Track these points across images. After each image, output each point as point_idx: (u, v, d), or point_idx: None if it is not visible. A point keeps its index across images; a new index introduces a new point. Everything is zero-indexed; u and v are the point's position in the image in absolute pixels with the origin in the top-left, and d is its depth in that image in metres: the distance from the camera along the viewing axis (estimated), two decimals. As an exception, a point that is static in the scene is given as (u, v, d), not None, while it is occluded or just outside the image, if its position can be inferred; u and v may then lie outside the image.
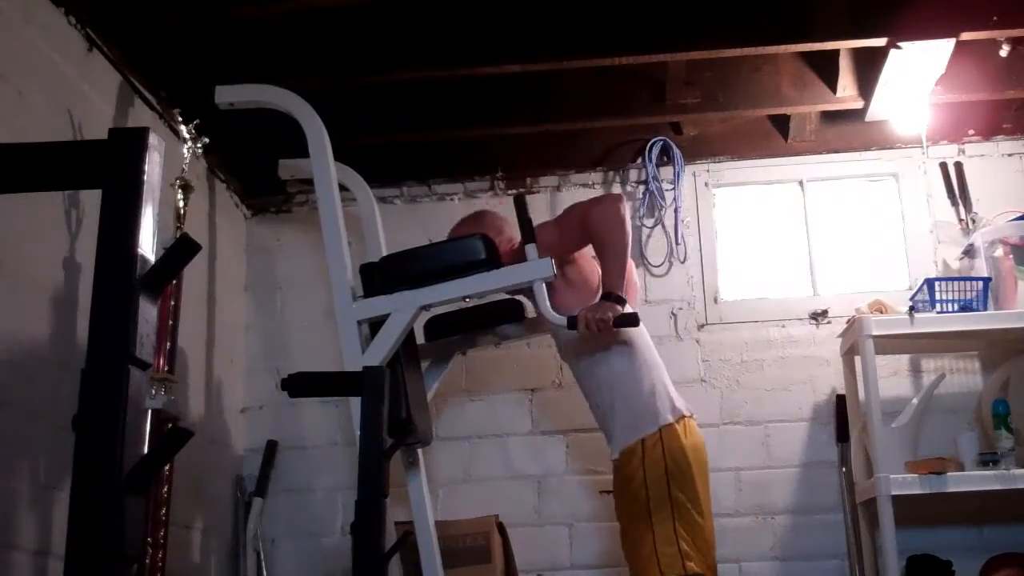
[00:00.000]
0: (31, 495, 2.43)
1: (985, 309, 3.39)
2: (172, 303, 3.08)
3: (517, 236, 2.99)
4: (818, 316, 3.84)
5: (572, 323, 2.76)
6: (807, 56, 3.66)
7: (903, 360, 3.77)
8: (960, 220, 3.80)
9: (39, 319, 2.51)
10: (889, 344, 3.50)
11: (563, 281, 2.89)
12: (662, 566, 2.69)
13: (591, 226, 2.81)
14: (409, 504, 3.12)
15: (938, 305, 3.39)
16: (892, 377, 3.73)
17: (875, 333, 3.35)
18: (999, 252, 3.49)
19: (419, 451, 3.16)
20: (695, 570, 2.69)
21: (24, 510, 2.40)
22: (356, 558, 1.85)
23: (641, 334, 2.91)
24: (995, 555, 3.44)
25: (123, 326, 1.14)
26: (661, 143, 3.96)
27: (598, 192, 3.97)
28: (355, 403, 2.36)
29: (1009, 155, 3.94)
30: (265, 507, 3.68)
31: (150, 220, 1.19)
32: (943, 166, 3.87)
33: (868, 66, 3.56)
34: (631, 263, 3.25)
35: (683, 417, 2.83)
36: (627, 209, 2.82)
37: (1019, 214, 3.53)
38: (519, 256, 2.87)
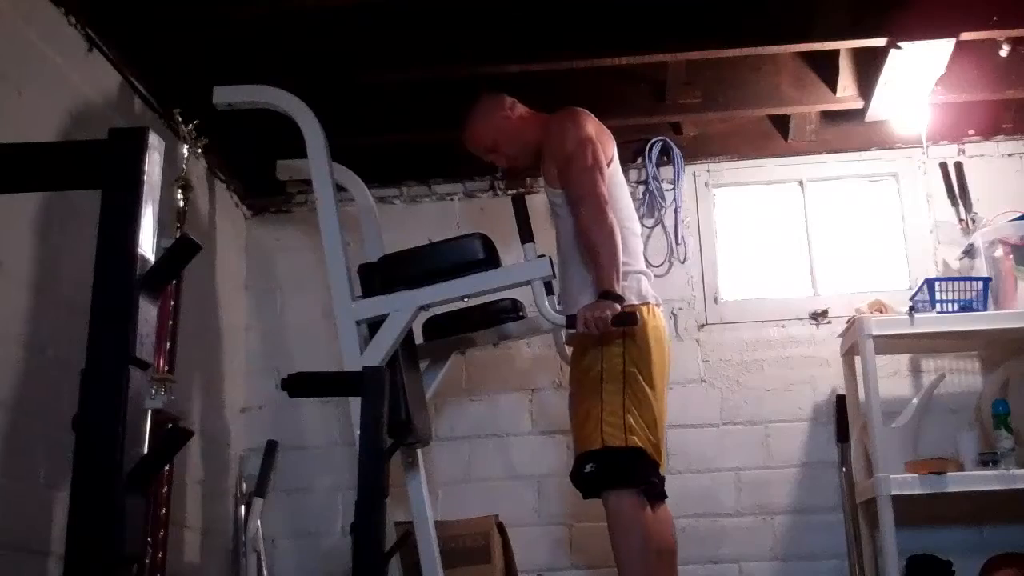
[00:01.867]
0: (31, 495, 2.43)
1: (985, 309, 3.39)
2: (172, 303, 3.08)
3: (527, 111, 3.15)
4: (818, 316, 3.84)
5: (571, 322, 2.76)
6: (807, 56, 3.66)
7: (903, 360, 3.77)
8: (960, 220, 3.80)
9: (39, 319, 2.51)
10: (889, 344, 3.50)
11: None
12: (605, 436, 2.74)
13: (578, 225, 2.84)
14: (409, 504, 3.12)
15: (938, 305, 3.39)
16: (892, 377, 3.73)
17: (875, 333, 3.35)
18: (999, 252, 3.49)
19: (419, 451, 3.16)
20: (636, 444, 2.73)
21: (24, 510, 2.40)
22: (356, 558, 1.85)
23: (627, 216, 2.95)
24: (995, 555, 3.44)
25: (123, 326, 1.14)
26: (661, 143, 3.96)
27: (598, 192, 3.96)
28: (355, 403, 2.37)
29: (1009, 155, 3.94)
30: (265, 507, 3.68)
31: (150, 220, 1.19)
32: (943, 166, 3.87)
33: (868, 66, 3.56)
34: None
35: (647, 303, 2.86)
36: (610, 212, 2.81)
37: (1019, 214, 3.53)
38: (524, 125, 3.06)
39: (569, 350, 3.09)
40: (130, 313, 1.14)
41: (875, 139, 3.95)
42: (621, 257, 2.79)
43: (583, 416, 2.83)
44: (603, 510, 2.84)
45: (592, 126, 2.98)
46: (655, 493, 2.84)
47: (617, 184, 3.00)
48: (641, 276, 2.92)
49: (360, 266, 3.03)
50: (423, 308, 2.87)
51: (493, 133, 3.12)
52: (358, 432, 1.99)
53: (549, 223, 3.12)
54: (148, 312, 1.17)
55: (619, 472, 2.75)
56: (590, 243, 2.80)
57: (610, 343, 2.80)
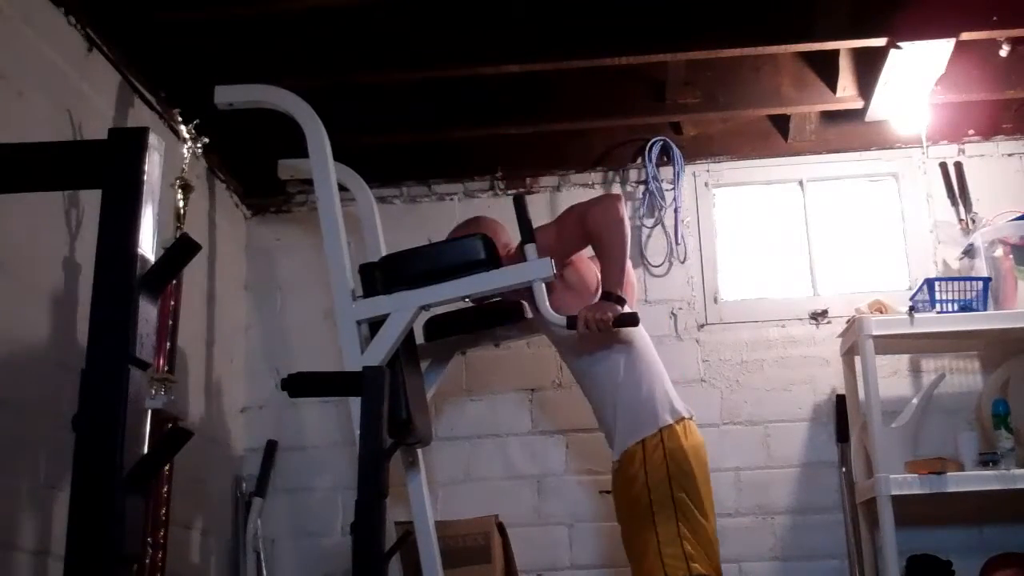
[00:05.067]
0: (31, 495, 2.43)
1: (985, 309, 3.39)
2: (172, 303, 3.08)
3: (513, 241, 3.02)
4: (818, 316, 3.84)
5: (572, 323, 2.76)
6: (807, 56, 3.66)
7: (903, 360, 3.77)
8: (960, 220, 3.80)
9: (39, 319, 2.51)
10: (889, 344, 3.50)
11: (562, 284, 2.89)
12: (667, 567, 2.68)
13: (589, 226, 2.82)
14: (409, 504, 3.12)
15: (938, 305, 3.39)
16: (892, 377, 3.72)
17: (875, 333, 3.35)
18: (999, 252, 3.49)
19: (419, 451, 3.16)
20: (700, 571, 2.68)
21: (24, 510, 2.40)
22: (356, 558, 1.86)
23: (640, 335, 2.91)
24: (995, 555, 3.44)
25: (123, 326, 1.14)
26: (661, 143, 3.96)
27: (598, 192, 3.97)
28: (355, 403, 2.36)
29: (1009, 155, 3.94)
30: (265, 507, 3.68)
31: (150, 220, 1.19)
32: (943, 166, 3.87)
33: (868, 66, 3.56)
34: (629, 263, 3.27)
35: (683, 419, 2.82)
36: (625, 209, 2.82)
37: (1019, 214, 3.53)
38: (516, 261, 2.87)
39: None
40: (130, 313, 1.14)
41: (875, 139, 3.95)
42: (628, 260, 2.79)
43: (639, 549, 2.78)
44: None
45: None
46: None
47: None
48: (669, 389, 2.87)
49: (360, 266, 3.03)
50: (424, 308, 2.87)
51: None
52: (358, 432, 1.99)
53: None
54: (148, 312, 1.17)
55: None
56: (602, 241, 2.79)
57: (655, 471, 2.76)
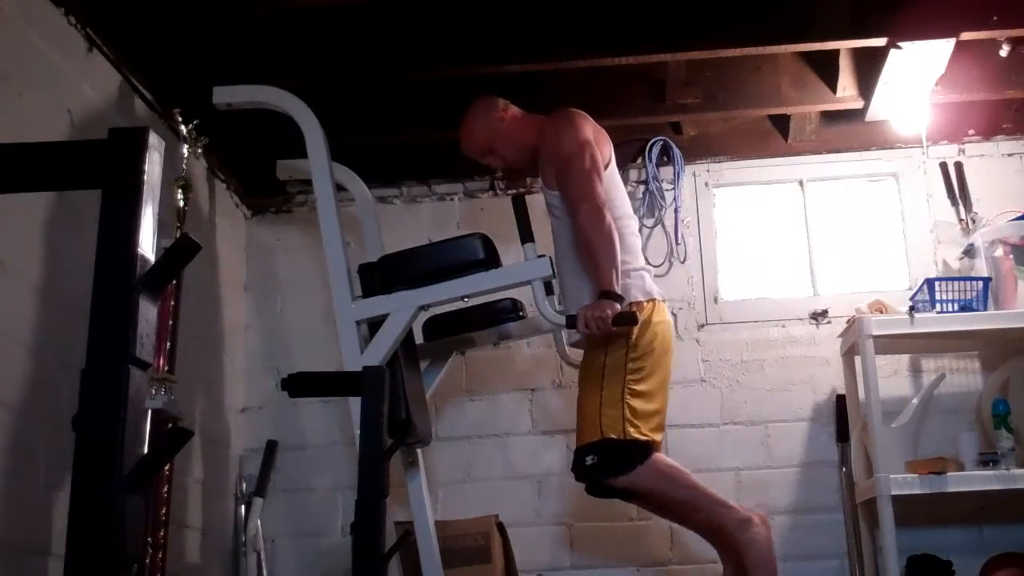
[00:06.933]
0: (31, 495, 2.43)
1: (985, 309, 3.39)
2: (172, 303, 3.08)
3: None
4: (818, 316, 3.84)
5: (571, 322, 2.77)
6: (807, 56, 3.66)
7: (903, 360, 3.77)
8: (960, 220, 3.80)
9: (39, 319, 2.51)
10: (889, 344, 3.50)
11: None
12: (603, 426, 2.79)
13: (576, 227, 2.88)
14: (409, 504, 3.13)
15: (938, 305, 3.39)
16: (892, 377, 3.72)
17: (875, 333, 3.35)
18: (999, 252, 3.49)
19: (419, 451, 3.16)
20: (633, 435, 2.77)
21: (24, 510, 2.40)
22: (356, 558, 1.86)
23: (624, 216, 2.99)
24: (995, 555, 3.44)
25: (123, 326, 1.14)
26: (661, 143, 3.96)
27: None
28: (355, 403, 2.37)
29: (1009, 155, 3.94)
30: (265, 507, 3.68)
31: (150, 220, 1.19)
32: (943, 166, 3.87)
33: (868, 66, 3.56)
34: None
35: (653, 299, 2.91)
36: (607, 213, 2.84)
37: (1019, 214, 3.53)
38: (519, 126, 3.11)
39: (578, 353, 3.09)
40: (130, 313, 1.14)
41: (875, 139, 3.95)
42: (620, 257, 2.80)
43: (582, 408, 2.88)
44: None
45: (589, 128, 3.00)
46: None
47: (614, 185, 3.02)
48: (644, 273, 2.96)
49: (360, 266, 3.03)
50: (423, 308, 2.87)
51: (488, 135, 3.15)
52: (358, 432, 1.99)
53: (548, 223, 3.13)
54: (148, 312, 1.17)
55: (620, 462, 2.78)
56: (589, 244, 2.82)
57: (616, 339, 2.82)
